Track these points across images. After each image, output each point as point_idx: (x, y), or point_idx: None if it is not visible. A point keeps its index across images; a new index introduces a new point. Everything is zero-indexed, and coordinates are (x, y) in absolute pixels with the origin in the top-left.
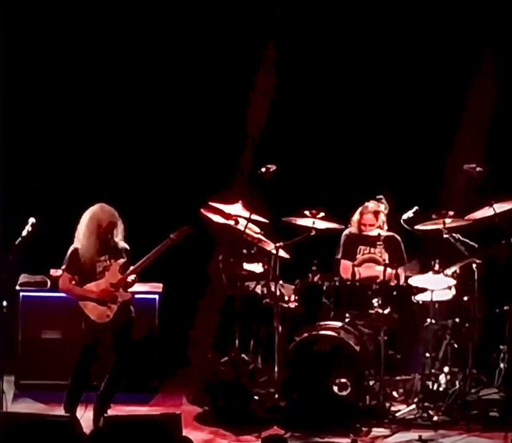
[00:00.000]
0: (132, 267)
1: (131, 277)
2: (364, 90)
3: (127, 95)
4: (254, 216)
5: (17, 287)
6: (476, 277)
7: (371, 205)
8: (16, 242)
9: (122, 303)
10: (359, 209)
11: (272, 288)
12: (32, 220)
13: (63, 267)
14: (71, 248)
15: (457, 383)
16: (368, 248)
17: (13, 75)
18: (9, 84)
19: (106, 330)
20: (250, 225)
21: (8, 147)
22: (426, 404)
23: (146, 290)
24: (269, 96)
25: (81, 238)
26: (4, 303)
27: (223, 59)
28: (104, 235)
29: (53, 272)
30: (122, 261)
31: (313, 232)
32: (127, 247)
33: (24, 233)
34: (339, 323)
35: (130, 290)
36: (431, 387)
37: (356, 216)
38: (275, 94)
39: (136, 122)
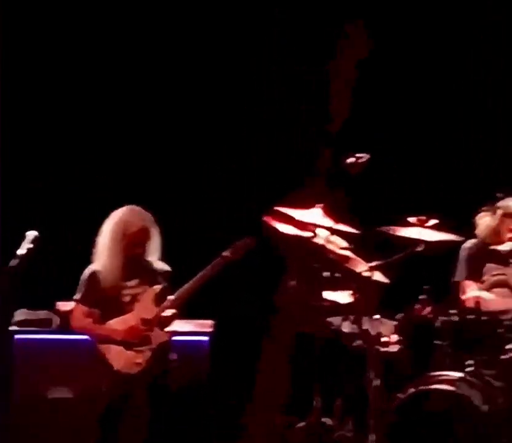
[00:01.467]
0: (171, 298)
1: (170, 311)
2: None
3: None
4: (339, 226)
5: (11, 327)
6: None
7: None
8: (11, 264)
9: (157, 346)
10: (498, 212)
11: (365, 326)
12: (33, 234)
13: (77, 296)
14: (87, 271)
15: None
16: (500, 267)
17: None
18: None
19: (136, 384)
20: (334, 238)
21: (8, 149)
22: None
23: (191, 329)
24: (353, 76)
25: (102, 254)
26: None
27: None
28: (134, 248)
29: (62, 305)
30: (158, 288)
31: (421, 247)
32: (167, 267)
33: (21, 251)
34: (458, 374)
35: (168, 328)
36: None
37: (488, 221)
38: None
39: (173, 106)
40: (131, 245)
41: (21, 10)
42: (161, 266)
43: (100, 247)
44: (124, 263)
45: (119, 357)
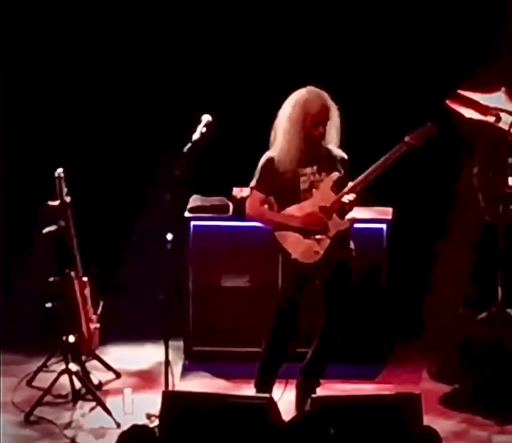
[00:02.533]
0: (350, 184)
1: (349, 197)
2: None
3: None
4: None
5: (186, 214)
6: None
7: None
8: (185, 150)
9: (336, 234)
10: None
11: None
12: (207, 117)
13: (253, 183)
14: (264, 157)
15: None
16: None
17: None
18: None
19: (315, 273)
20: None
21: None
22: None
23: (370, 216)
24: None
25: (280, 139)
26: (169, 237)
27: None
28: (315, 129)
29: (238, 191)
30: (336, 175)
31: None
32: (345, 155)
33: (196, 136)
34: None
35: (347, 216)
36: None
37: None
38: None
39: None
40: (312, 126)
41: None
42: (340, 153)
43: (277, 131)
44: (303, 147)
45: (296, 246)
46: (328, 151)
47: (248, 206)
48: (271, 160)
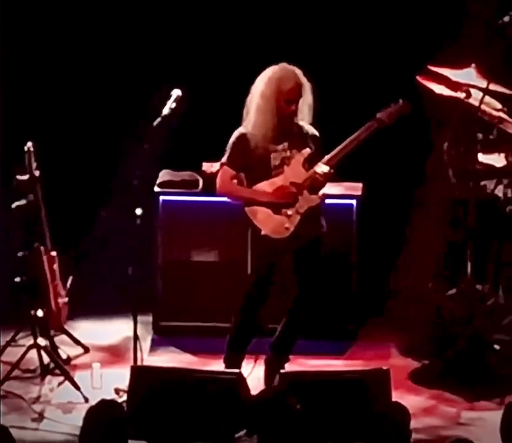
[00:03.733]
0: (323, 160)
1: (323, 169)
2: None
3: None
4: (494, 86)
5: (156, 188)
6: None
7: None
8: (155, 124)
9: (307, 210)
10: None
11: None
12: (177, 92)
13: (224, 159)
14: (236, 133)
15: None
16: None
17: None
18: None
19: (285, 249)
20: (488, 99)
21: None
22: None
23: (340, 192)
24: None
25: (252, 115)
26: (138, 211)
27: None
28: (287, 108)
29: (208, 166)
30: (308, 151)
31: None
32: (316, 132)
33: (165, 111)
34: None
35: (319, 192)
36: None
37: None
38: None
39: None
40: (285, 103)
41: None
42: (312, 130)
43: (250, 107)
44: (275, 124)
45: (267, 221)
46: (300, 128)
47: (218, 181)
48: (242, 136)
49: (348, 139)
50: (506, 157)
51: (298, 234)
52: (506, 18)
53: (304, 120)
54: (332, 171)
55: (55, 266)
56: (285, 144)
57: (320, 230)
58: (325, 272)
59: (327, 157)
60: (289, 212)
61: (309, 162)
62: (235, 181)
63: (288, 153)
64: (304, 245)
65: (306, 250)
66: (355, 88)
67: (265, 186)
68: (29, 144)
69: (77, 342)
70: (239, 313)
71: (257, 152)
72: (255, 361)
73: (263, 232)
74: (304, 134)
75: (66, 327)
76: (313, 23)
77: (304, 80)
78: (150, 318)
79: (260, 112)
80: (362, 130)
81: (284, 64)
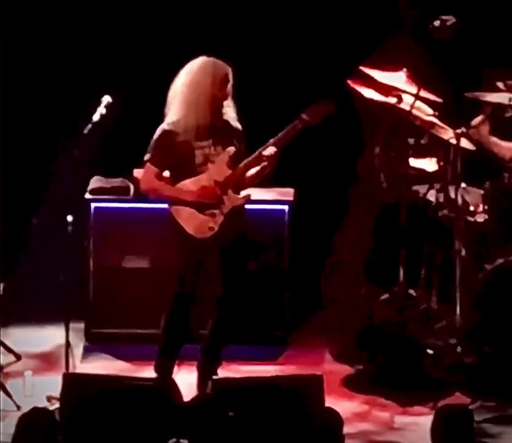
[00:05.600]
0: (246, 160)
1: (270, 151)
2: None
3: None
4: (424, 92)
5: (87, 195)
6: None
7: None
8: (85, 131)
9: (231, 210)
10: None
11: (452, 195)
12: (107, 99)
13: (147, 156)
14: (159, 130)
15: None
16: None
17: None
18: None
19: (210, 248)
20: (419, 103)
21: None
22: None
23: (272, 198)
24: None
25: (176, 109)
26: (69, 218)
27: None
28: (223, 92)
29: (139, 173)
30: (232, 149)
31: (510, 113)
32: (240, 127)
33: (95, 117)
34: None
35: (243, 193)
36: None
37: None
38: None
39: None
40: (219, 89)
41: None
42: (237, 125)
43: (175, 97)
44: (206, 117)
45: (191, 220)
46: (226, 123)
47: (142, 180)
48: (166, 132)
49: (273, 139)
50: (438, 162)
51: (223, 233)
52: (437, 23)
53: (231, 113)
54: (277, 152)
55: None
56: (210, 140)
57: (244, 226)
58: (253, 275)
59: (250, 158)
60: (213, 211)
61: (234, 161)
62: (161, 181)
63: (212, 150)
64: (230, 243)
65: (231, 248)
66: (284, 90)
67: (190, 184)
68: None
69: (8, 350)
70: (167, 316)
71: (181, 148)
72: (178, 366)
73: (187, 232)
74: (230, 129)
75: None
76: (244, 17)
77: (230, 72)
78: (82, 325)
79: (185, 104)
80: (286, 130)
81: (208, 58)
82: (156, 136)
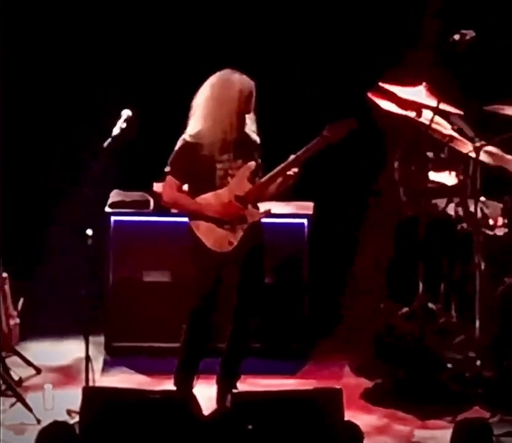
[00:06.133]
0: (267, 176)
1: (294, 170)
2: None
3: None
4: (444, 106)
5: (107, 209)
6: None
7: None
8: (105, 145)
9: (251, 225)
10: None
11: (471, 208)
12: (127, 112)
13: (168, 168)
14: (180, 141)
15: None
16: None
17: None
18: None
19: (228, 263)
20: (439, 118)
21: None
22: None
23: (291, 211)
24: None
25: (200, 121)
26: (89, 232)
27: None
28: (247, 107)
29: (159, 187)
30: (253, 164)
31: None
32: (258, 140)
33: (116, 131)
34: None
35: (262, 206)
36: None
37: None
38: None
39: None
40: (245, 106)
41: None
42: (256, 138)
43: (197, 113)
44: (229, 130)
45: (210, 234)
46: (245, 136)
47: (163, 192)
48: (188, 144)
49: (294, 156)
50: (457, 176)
51: (241, 248)
52: (457, 36)
53: (252, 126)
54: (300, 171)
55: (6, 287)
56: (231, 154)
57: (260, 238)
58: (271, 286)
59: (271, 174)
60: (233, 226)
61: (255, 174)
62: (181, 193)
63: (233, 164)
64: (246, 255)
65: (247, 260)
66: (306, 103)
67: (210, 198)
68: None
69: (28, 363)
70: (186, 330)
71: (203, 161)
72: (197, 379)
73: (206, 246)
74: (249, 142)
75: (17, 348)
76: (266, 34)
77: (253, 88)
78: (102, 339)
79: (211, 118)
80: (308, 147)
81: (233, 71)
82: (177, 147)
